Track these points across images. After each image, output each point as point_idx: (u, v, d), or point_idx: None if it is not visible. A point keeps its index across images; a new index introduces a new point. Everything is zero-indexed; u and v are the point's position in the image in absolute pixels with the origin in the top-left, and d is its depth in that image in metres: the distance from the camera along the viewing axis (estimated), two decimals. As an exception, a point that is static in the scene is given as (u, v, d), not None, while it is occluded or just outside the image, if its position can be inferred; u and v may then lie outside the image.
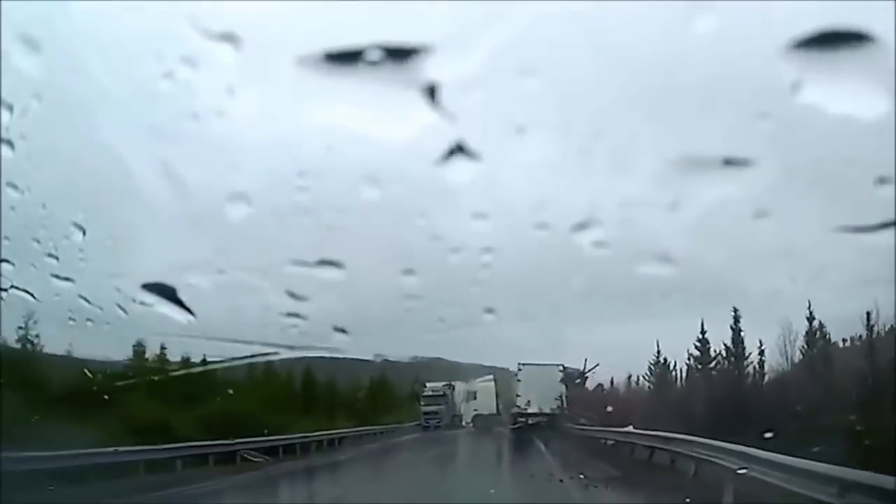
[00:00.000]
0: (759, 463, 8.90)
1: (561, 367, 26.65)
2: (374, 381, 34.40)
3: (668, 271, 6.86)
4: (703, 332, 24.86)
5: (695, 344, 25.07)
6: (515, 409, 26.57)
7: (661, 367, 27.36)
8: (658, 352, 27.12)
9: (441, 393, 36.31)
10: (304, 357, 25.11)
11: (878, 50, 3.63)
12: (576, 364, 27.63)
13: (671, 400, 24.92)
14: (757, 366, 23.16)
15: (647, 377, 27.99)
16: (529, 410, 26.04)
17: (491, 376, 34.70)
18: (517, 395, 26.71)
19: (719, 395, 21.28)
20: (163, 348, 20.60)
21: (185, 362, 18.27)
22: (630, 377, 29.01)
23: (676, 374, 27.08)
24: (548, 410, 25.96)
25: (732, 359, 23.79)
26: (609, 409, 24.16)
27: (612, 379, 29.27)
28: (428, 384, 36.09)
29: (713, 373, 24.48)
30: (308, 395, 30.14)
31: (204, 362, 19.20)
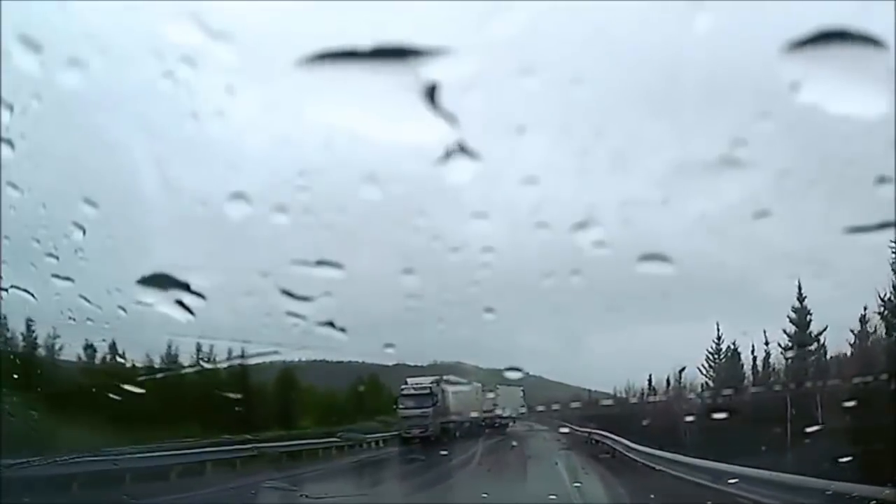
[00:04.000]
0: None
1: (522, 388, 32.38)
2: (364, 382, 27.52)
3: (669, 270, 6.87)
4: (801, 299, 18.78)
5: (788, 317, 19.56)
6: (493, 414, 33.02)
7: (729, 356, 22.50)
8: (719, 337, 22.75)
9: (427, 391, 26.31)
10: (308, 359, 24.95)
11: (878, 50, 3.63)
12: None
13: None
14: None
15: (704, 371, 23.52)
16: (504, 414, 33.12)
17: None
18: (494, 405, 32.58)
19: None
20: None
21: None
22: (682, 370, 24.43)
23: (756, 363, 22.03)
24: (514, 414, 33.66)
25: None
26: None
27: (650, 377, 27.55)
28: (409, 380, 26.70)
29: (818, 356, 18.19)
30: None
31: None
